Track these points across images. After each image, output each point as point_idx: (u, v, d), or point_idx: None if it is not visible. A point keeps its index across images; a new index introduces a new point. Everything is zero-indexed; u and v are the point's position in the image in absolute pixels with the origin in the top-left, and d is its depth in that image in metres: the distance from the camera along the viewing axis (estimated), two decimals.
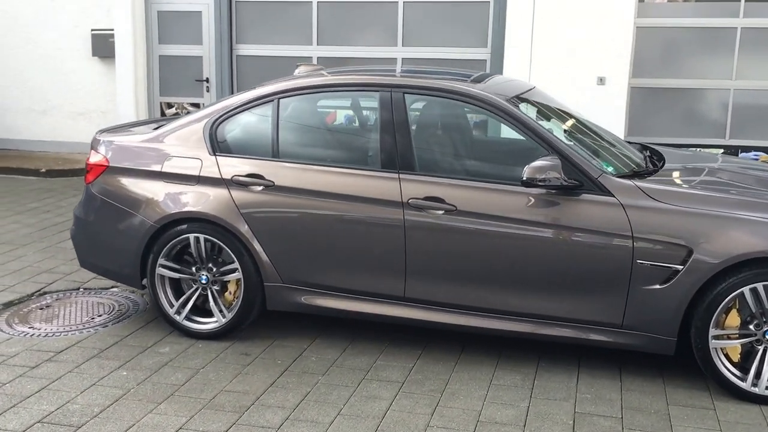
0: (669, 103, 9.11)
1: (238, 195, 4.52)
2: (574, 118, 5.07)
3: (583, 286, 4.13)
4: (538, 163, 4.04)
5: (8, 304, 5.31)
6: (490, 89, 4.47)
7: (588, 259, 4.09)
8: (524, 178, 4.03)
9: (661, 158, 4.91)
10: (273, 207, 4.48)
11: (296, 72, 5.23)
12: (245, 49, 9.81)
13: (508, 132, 4.43)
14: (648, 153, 5.08)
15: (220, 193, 4.55)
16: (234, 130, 4.69)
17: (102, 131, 5.07)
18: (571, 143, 4.38)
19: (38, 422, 3.72)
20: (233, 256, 4.55)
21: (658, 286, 4.01)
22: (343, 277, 4.47)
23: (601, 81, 8.89)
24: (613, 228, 4.04)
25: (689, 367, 4.25)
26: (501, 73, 8.98)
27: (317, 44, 9.57)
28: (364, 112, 4.58)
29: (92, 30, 10.03)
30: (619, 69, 8.80)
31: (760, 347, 3.99)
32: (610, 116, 8.69)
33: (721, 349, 4.03)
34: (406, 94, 4.45)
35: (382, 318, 4.48)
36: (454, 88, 4.42)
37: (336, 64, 9.58)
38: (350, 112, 4.97)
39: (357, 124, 4.97)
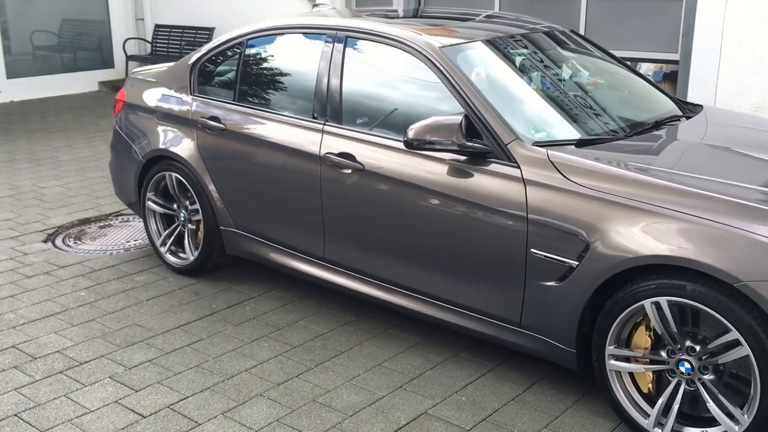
0: None
1: (201, 137, 4.55)
2: (592, 67, 4.24)
3: (481, 273, 3.49)
4: (427, 121, 3.45)
5: (84, 221, 5.99)
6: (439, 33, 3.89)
7: (483, 242, 3.44)
8: (407, 138, 3.47)
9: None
10: (223, 151, 4.45)
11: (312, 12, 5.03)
12: None
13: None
14: (677, 118, 4.03)
15: (189, 133, 4.62)
16: (211, 70, 4.69)
17: (138, 69, 5.40)
18: (507, 99, 3.66)
19: None
20: (195, 197, 4.62)
21: (554, 284, 3.25)
22: (277, 229, 4.31)
23: None
24: (509, 207, 3.33)
25: None
26: (695, 10, 7.56)
27: None
28: (314, 58, 4.24)
29: None
30: None
31: (672, 379, 3.05)
32: None
33: (630, 374, 3.16)
34: (348, 38, 4.06)
35: (306, 277, 4.25)
36: (386, 32, 3.91)
37: None
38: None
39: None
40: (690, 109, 4.28)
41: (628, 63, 4.61)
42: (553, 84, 3.97)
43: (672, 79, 7.79)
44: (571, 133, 3.59)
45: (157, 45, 12.17)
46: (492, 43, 3.95)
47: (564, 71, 4.11)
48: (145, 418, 3.33)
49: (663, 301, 2.93)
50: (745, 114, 4.90)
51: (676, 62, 7.68)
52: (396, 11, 6.62)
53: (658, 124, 3.86)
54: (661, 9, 7.91)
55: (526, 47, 4.11)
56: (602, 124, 3.74)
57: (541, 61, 4.11)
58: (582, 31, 8.24)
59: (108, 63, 12.57)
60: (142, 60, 12.31)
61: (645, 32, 7.98)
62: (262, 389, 3.56)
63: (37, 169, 7.48)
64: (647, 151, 3.58)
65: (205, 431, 3.24)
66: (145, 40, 12.51)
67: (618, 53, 7.93)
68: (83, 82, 12.19)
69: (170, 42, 12.02)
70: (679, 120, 4.00)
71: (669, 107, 4.20)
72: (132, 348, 3.95)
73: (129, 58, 12.06)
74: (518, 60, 4.01)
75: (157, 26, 12.22)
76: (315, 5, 5.17)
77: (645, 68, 8.02)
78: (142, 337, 4.06)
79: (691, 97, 7.17)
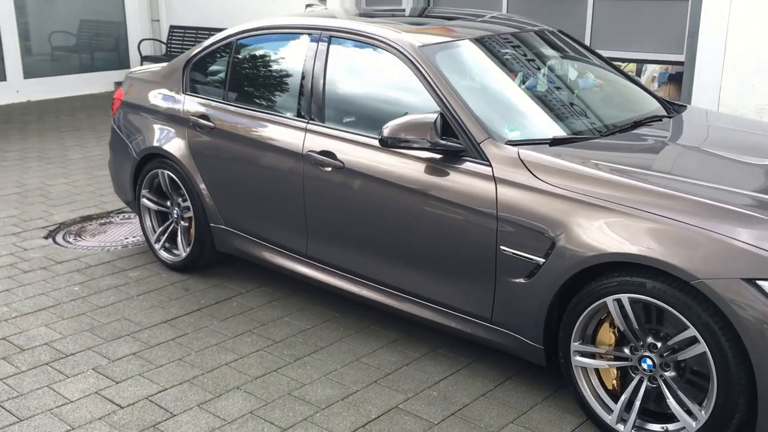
0: None
1: (192, 135, 4.64)
2: (579, 67, 4.26)
3: (455, 270, 3.54)
4: (402, 119, 3.51)
5: (86, 218, 6.11)
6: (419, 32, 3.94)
7: (457, 239, 3.48)
8: (382, 136, 3.53)
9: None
10: (213, 150, 4.53)
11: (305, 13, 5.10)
12: None
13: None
14: (663, 117, 4.06)
15: (181, 132, 4.71)
16: (202, 69, 4.78)
17: (135, 69, 5.51)
18: (484, 98, 3.71)
19: None
20: (187, 194, 4.71)
21: (523, 280, 3.29)
22: (263, 226, 4.39)
23: None
24: (481, 205, 3.38)
25: None
26: (700, 11, 7.54)
27: None
28: (300, 57, 4.31)
29: None
30: None
31: (635, 376, 3.07)
32: None
33: (596, 370, 3.19)
34: (332, 38, 4.13)
35: (290, 273, 4.32)
36: (367, 31, 3.97)
37: None
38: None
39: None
40: (675, 110, 4.30)
41: (616, 63, 4.62)
42: (534, 83, 4.01)
43: (677, 80, 7.77)
44: (547, 131, 3.62)
45: (172, 46, 12.33)
46: (480, 42, 4.00)
47: (549, 70, 4.15)
48: (122, 408, 3.42)
49: (624, 298, 2.96)
50: (730, 115, 4.91)
51: (681, 63, 7.65)
52: (403, 11, 6.69)
53: (636, 124, 3.88)
54: (667, 10, 7.89)
55: (513, 46, 4.15)
56: (580, 123, 3.77)
57: (527, 60, 4.14)
58: (588, 33, 8.24)
59: (124, 63, 12.74)
60: (157, 60, 12.45)
61: (650, 33, 7.96)
62: (239, 382, 3.63)
63: (46, 167, 7.64)
64: (620, 150, 3.61)
65: (180, 422, 3.32)
66: (159, 41, 12.67)
67: (624, 54, 7.96)
68: (99, 82, 12.39)
69: (184, 43, 12.16)
70: (660, 120, 4.02)
71: (652, 107, 4.22)
72: (118, 341, 4.04)
73: (144, 58, 12.22)
74: (503, 59, 4.05)
75: (171, 27, 12.37)
76: (308, 5, 5.22)
77: (650, 69, 8.01)
78: (128, 331, 4.15)
79: (696, 99, 7.15)
